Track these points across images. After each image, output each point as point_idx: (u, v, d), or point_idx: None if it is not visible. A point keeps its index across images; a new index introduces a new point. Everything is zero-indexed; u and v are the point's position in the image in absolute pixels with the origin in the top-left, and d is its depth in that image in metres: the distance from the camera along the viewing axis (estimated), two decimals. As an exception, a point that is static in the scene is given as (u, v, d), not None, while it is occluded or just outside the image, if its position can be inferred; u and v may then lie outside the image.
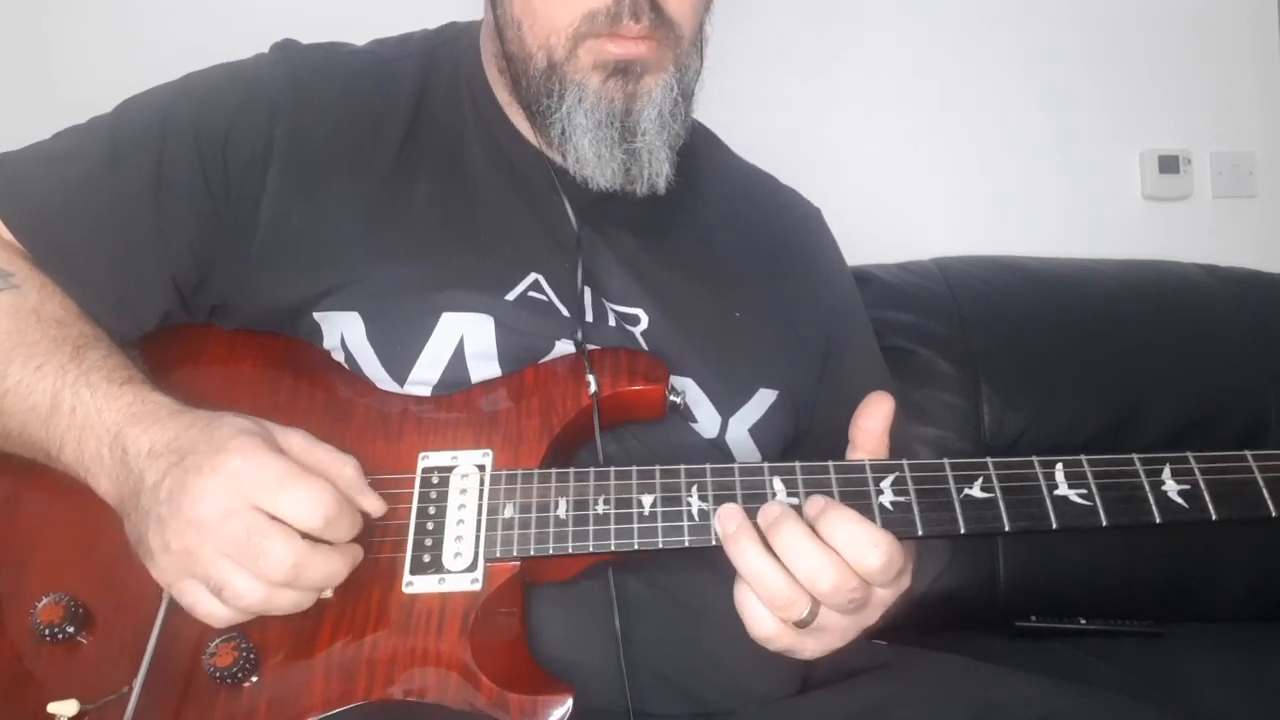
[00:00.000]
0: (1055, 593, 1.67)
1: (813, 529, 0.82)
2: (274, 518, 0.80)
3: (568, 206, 1.06)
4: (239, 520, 0.79)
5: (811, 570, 0.80)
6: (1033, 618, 1.66)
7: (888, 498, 0.87)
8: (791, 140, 1.72)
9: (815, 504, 0.83)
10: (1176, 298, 1.86)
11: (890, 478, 0.88)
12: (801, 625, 0.82)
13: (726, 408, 1.07)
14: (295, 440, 0.86)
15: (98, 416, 0.87)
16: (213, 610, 0.82)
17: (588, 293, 1.05)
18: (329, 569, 0.82)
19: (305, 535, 0.81)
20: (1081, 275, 1.88)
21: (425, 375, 0.99)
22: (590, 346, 1.01)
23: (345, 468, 0.87)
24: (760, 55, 2.03)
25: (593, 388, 0.97)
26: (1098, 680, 1.45)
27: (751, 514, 0.84)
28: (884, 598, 0.86)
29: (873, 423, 0.90)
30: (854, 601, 0.82)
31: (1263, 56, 2.27)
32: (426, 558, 0.89)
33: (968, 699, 0.96)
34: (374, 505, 0.88)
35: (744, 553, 0.82)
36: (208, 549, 0.79)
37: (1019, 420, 1.73)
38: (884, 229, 1.89)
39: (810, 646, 0.86)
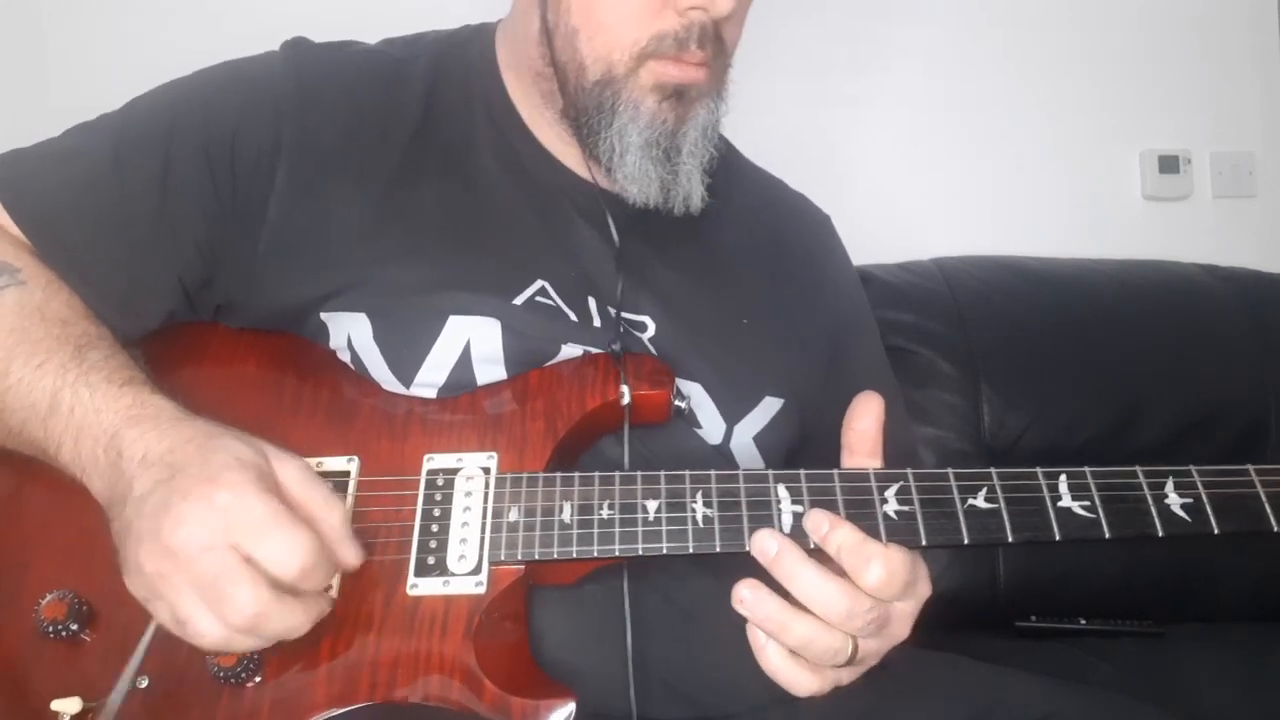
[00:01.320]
0: (1055, 593, 1.67)
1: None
2: (249, 559, 0.78)
3: (611, 223, 1.07)
4: (213, 557, 0.77)
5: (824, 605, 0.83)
6: (1033, 618, 1.67)
7: (892, 507, 0.87)
8: (791, 141, 1.71)
9: (817, 528, 0.86)
10: (1176, 298, 1.86)
11: (894, 487, 0.88)
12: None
13: (732, 414, 1.07)
14: (291, 472, 0.84)
15: (95, 417, 0.86)
16: (176, 631, 0.81)
17: (592, 301, 1.05)
18: (290, 623, 0.80)
19: (277, 582, 0.80)
20: (1081, 275, 1.88)
21: (431, 377, 0.99)
22: (593, 350, 1.02)
23: (333, 514, 0.84)
24: (759, 56, 2.03)
25: (626, 399, 0.97)
26: (1098, 680, 1.45)
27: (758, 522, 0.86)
28: (905, 610, 0.87)
29: (865, 423, 0.90)
30: (874, 623, 0.84)
31: (1263, 56, 2.27)
32: (431, 560, 0.89)
33: (968, 699, 0.95)
34: (353, 558, 0.86)
35: (788, 628, 0.84)
36: (178, 579, 0.78)
37: (1019, 420, 1.73)
38: (884, 229, 1.88)
39: (846, 676, 0.88)
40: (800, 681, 0.86)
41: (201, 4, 1.84)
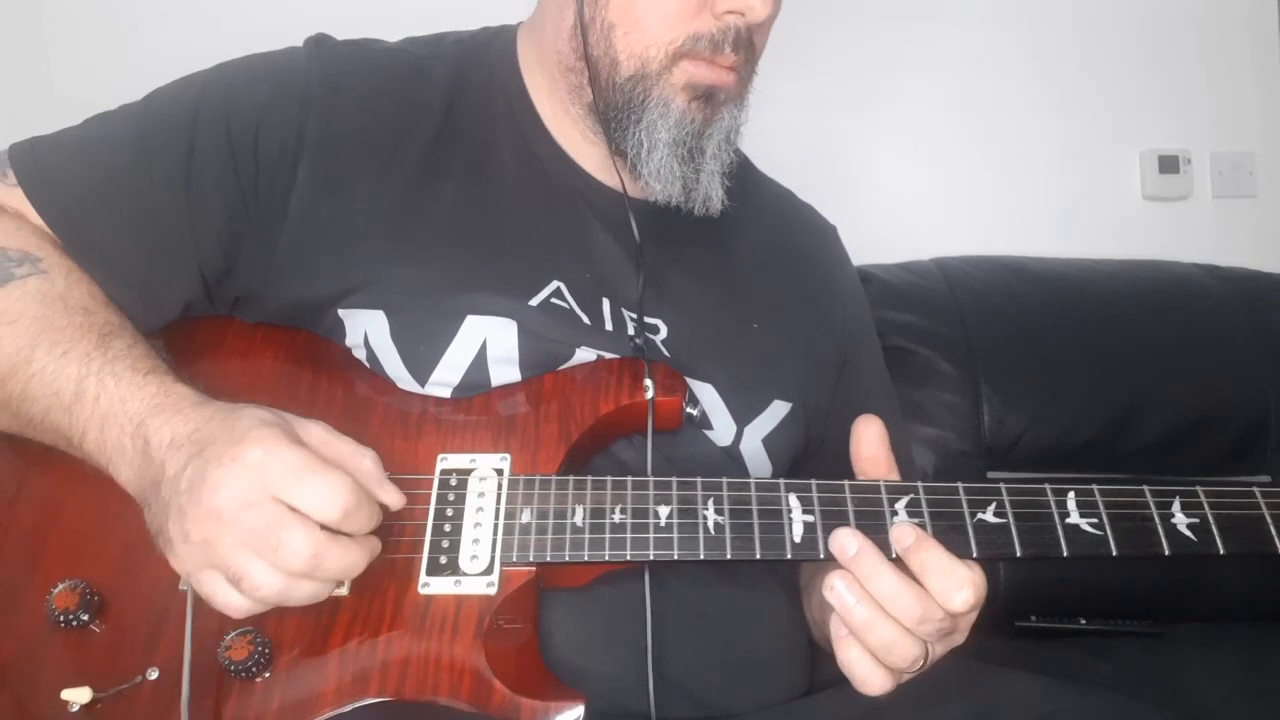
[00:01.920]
0: (1055, 593, 1.67)
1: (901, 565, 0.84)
2: (293, 509, 0.80)
3: (633, 221, 1.07)
4: (258, 511, 0.79)
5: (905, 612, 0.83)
6: (1033, 618, 1.67)
7: (902, 519, 0.88)
8: (792, 141, 1.71)
9: (901, 540, 0.86)
10: (1176, 298, 1.87)
11: (905, 499, 0.89)
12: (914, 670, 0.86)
13: (742, 416, 1.07)
14: (315, 432, 0.86)
15: (121, 406, 0.87)
16: (230, 600, 0.82)
17: (605, 304, 1.06)
18: (347, 560, 0.82)
19: (324, 527, 0.81)
20: (1081, 275, 1.88)
21: (446, 377, 0.99)
22: (606, 354, 1.02)
23: (364, 460, 0.86)
24: (762, 56, 2.03)
25: (650, 392, 0.98)
26: (1098, 680, 1.45)
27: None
28: (970, 619, 0.88)
29: (871, 449, 0.92)
30: (944, 630, 0.85)
31: (1263, 56, 2.27)
32: (443, 559, 0.89)
33: (968, 699, 0.96)
34: (393, 498, 0.88)
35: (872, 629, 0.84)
36: (227, 539, 0.79)
37: (1019, 420, 1.73)
38: (884, 229, 1.89)
39: (906, 677, 0.88)
40: (873, 679, 0.85)
41: (199, 4, 1.84)
